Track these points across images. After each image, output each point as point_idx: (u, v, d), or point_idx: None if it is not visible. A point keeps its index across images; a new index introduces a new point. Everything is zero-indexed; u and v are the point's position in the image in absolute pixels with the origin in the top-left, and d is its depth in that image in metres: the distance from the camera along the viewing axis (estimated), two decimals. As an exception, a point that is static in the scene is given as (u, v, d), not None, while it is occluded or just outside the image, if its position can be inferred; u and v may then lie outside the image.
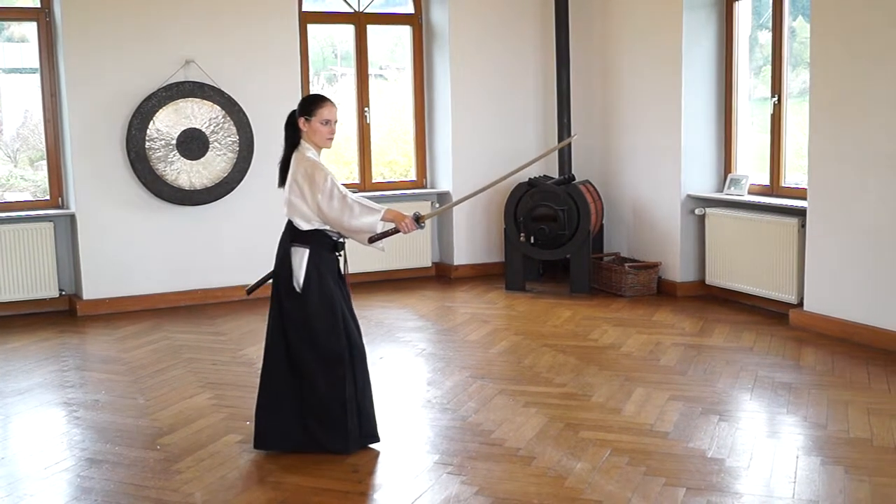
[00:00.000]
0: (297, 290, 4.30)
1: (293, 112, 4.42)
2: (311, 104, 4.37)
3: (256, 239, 7.85)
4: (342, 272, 4.51)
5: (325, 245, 4.37)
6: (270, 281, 4.48)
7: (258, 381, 5.10)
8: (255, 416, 4.44)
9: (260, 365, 5.79)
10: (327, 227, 4.34)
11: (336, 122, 4.40)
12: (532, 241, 7.95)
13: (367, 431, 4.43)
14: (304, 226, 4.30)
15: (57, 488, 4.06)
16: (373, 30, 8.68)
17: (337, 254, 4.44)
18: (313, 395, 4.34)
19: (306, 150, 4.35)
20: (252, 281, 4.79)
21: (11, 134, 7.92)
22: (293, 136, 4.39)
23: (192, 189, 7.61)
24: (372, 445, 4.45)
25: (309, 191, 4.24)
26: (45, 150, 7.65)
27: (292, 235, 4.34)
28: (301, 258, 4.30)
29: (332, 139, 4.42)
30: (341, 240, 4.42)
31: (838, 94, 6.26)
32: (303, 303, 4.31)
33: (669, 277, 7.91)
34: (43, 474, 4.20)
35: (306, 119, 4.34)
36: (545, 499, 3.84)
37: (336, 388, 4.33)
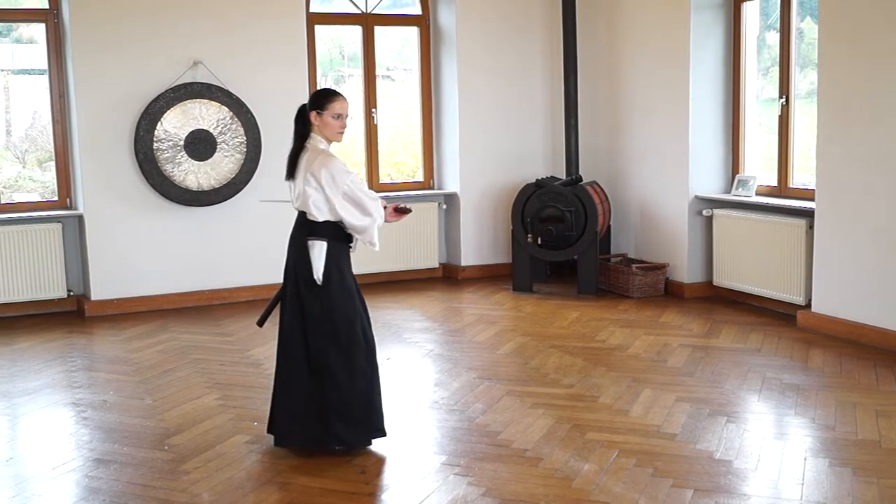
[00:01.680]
0: (318, 283, 4.31)
1: (303, 106, 4.44)
2: (323, 98, 4.39)
3: (264, 240, 7.86)
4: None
5: (340, 237, 4.39)
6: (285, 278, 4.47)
7: (266, 381, 5.12)
8: (275, 416, 4.45)
9: (268, 365, 5.82)
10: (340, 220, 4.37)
11: (347, 116, 4.42)
12: (539, 242, 7.94)
13: (376, 426, 4.45)
14: (319, 217, 4.31)
15: (65, 488, 4.06)
16: (380, 31, 8.69)
17: (350, 246, 4.46)
18: (334, 390, 4.33)
19: (318, 142, 4.38)
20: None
21: (20, 135, 7.94)
22: (303, 130, 4.41)
23: (199, 190, 7.63)
24: (379, 446, 4.44)
25: (330, 189, 4.25)
26: (53, 151, 7.67)
27: (308, 228, 4.35)
28: (320, 251, 4.31)
29: (342, 133, 4.44)
30: (349, 230, 4.43)
31: (846, 95, 6.24)
32: (324, 296, 4.32)
33: (677, 278, 7.89)
34: (51, 474, 4.21)
35: (318, 113, 4.36)
36: (552, 500, 3.83)
37: (357, 382, 4.35)
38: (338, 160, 4.34)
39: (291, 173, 4.40)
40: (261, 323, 4.69)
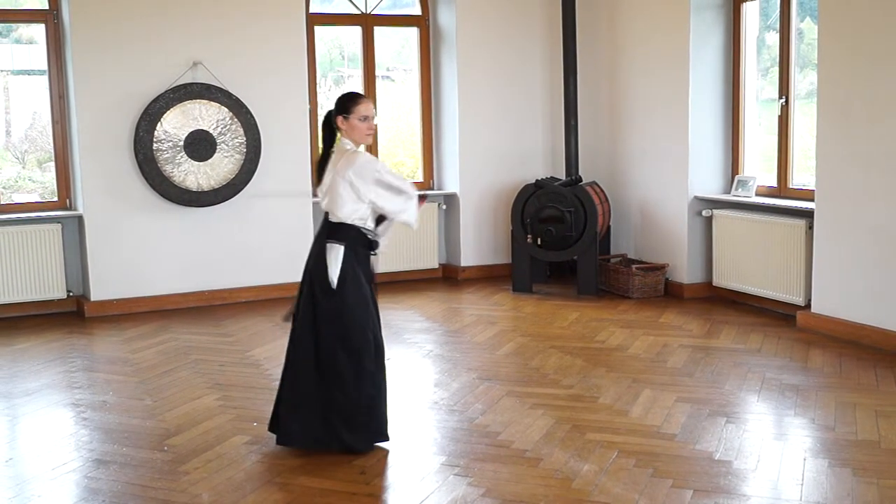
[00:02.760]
0: (332, 286, 4.31)
1: (329, 112, 4.47)
2: (349, 102, 4.41)
3: (263, 240, 7.87)
4: (373, 271, 4.55)
5: (360, 242, 4.39)
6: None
7: (266, 381, 5.14)
8: (278, 413, 4.46)
9: (268, 366, 5.83)
10: (363, 225, 4.36)
11: (374, 117, 4.45)
12: (539, 242, 7.94)
13: (379, 430, 4.45)
14: (345, 219, 4.32)
15: (64, 489, 4.06)
16: (380, 31, 8.69)
17: (372, 252, 4.46)
18: (340, 393, 4.33)
19: (346, 144, 4.41)
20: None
21: (20, 135, 7.95)
22: (330, 136, 4.45)
23: (199, 190, 7.62)
24: (380, 446, 4.44)
25: (362, 182, 4.27)
26: (52, 151, 7.67)
27: (329, 231, 4.37)
28: (336, 255, 4.32)
29: (371, 135, 4.46)
30: (377, 238, 4.45)
31: (846, 95, 6.24)
32: (338, 300, 4.32)
33: (676, 279, 7.89)
34: (51, 475, 4.21)
35: (344, 117, 4.39)
36: (552, 500, 3.84)
37: (363, 386, 4.35)
38: (363, 154, 4.38)
39: (321, 178, 4.44)
40: (287, 318, 4.69)
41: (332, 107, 4.49)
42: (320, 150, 4.50)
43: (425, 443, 4.55)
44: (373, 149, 8.63)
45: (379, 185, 4.32)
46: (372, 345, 4.41)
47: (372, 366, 4.39)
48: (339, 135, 4.44)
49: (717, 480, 4.01)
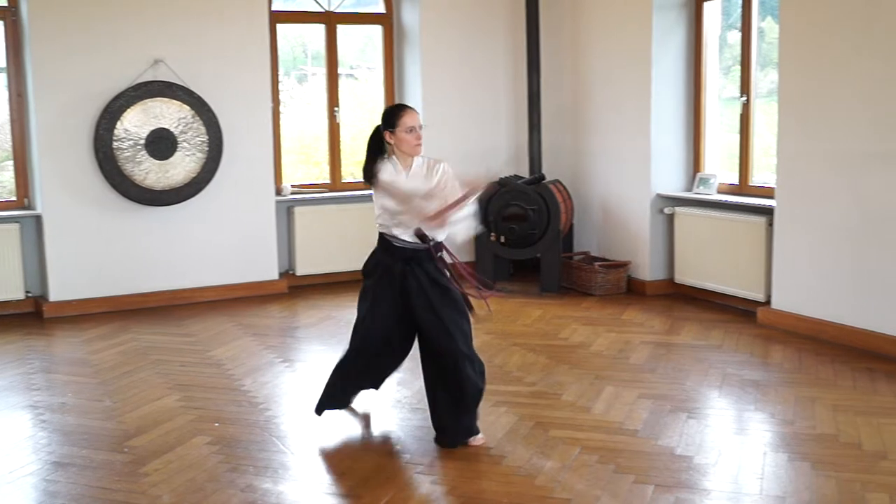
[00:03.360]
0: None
1: (378, 127, 4.47)
2: (392, 115, 4.42)
3: (225, 239, 7.81)
4: (436, 272, 4.55)
5: (384, 246, 4.49)
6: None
7: (227, 381, 5.13)
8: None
9: (229, 366, 5.83)
10: (382, 228, 4.46)
11: (421, 126, 4.43)
12: (502, 240, 7.96)
13: (322, 401, 4.79)
14: (380, 226, 4.48)
15: (23, 492, 4.01)
16: (343, 29, 8.65)
17: (391, 258, 4.46)
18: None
19: (384, 167, 4.40)
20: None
21: (-24, 134, 7.83)
22: (378, 150, 4.46)
23: (160, 189, 7.55)
24: (342, 447, 4.43)
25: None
26: (11, 150, 7.56)
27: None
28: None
29: (419, 145, 4.42)
30: (398, 244, 4.43)
31: (806, 93, 6.31)
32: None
33: (639, 276, 7.94)
34: (8, 478, 4.15)
35: (391, 132, 4.39)
36: (515, 498, 3.84)
37: (342, 358, 4.72)
38: (384, 182, 4.40)
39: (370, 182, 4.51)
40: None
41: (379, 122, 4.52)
42: (364, 162, 4.52)
43: (389, 441, 4.54)
44: (335, 147, 8.58)
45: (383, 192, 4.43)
46: (356, 342, 4.61)
47: (351, 352, 4.64)
48: (389, 152, 4.44)
49: (678, 475, 4.04)
